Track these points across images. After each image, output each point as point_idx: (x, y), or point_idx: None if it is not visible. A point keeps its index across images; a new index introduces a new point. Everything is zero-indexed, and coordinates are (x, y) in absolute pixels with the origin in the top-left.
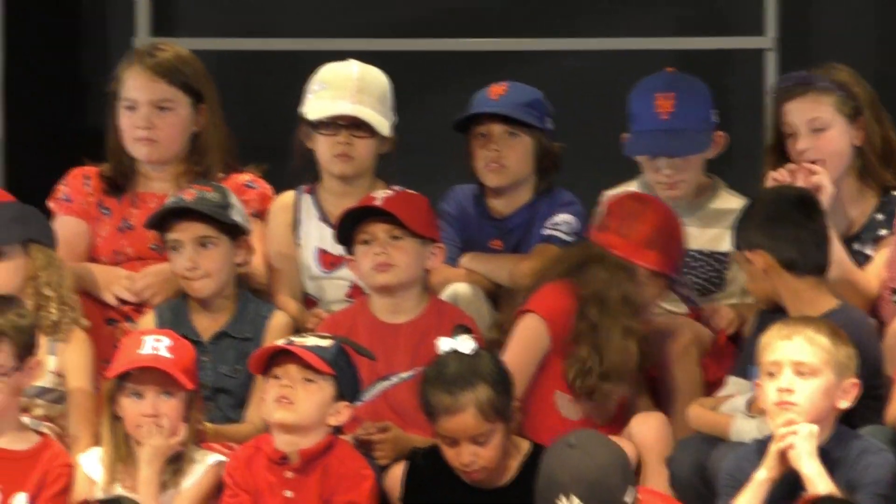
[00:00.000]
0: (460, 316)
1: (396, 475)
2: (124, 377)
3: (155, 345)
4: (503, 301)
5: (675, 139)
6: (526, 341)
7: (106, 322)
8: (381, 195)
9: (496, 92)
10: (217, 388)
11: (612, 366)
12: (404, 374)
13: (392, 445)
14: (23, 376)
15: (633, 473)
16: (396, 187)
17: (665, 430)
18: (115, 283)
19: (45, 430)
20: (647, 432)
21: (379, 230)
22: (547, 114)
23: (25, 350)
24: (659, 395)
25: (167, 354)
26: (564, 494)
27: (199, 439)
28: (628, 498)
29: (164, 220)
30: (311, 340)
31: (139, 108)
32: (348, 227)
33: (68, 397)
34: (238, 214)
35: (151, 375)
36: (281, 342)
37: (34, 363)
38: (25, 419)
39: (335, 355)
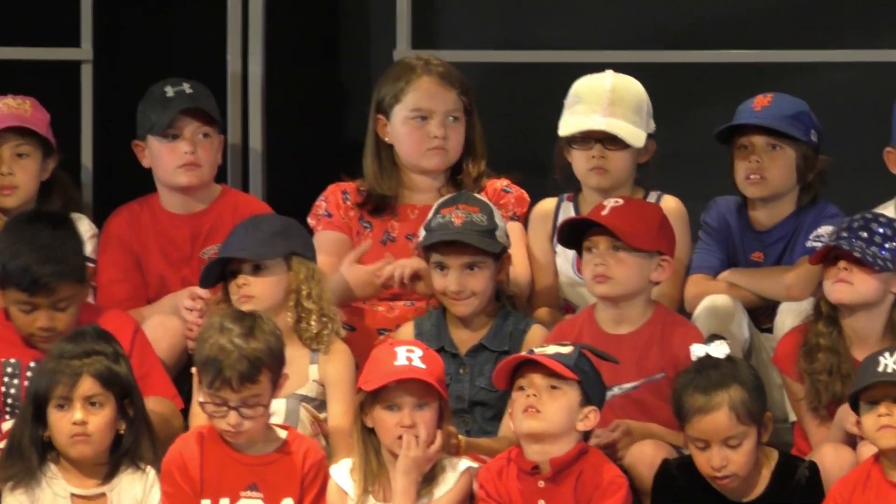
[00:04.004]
0: (685, 326)
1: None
2: (379, 389)
3: (409, 355)
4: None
5: None
6: None
7: (377, 332)
8: (610, 205)
9: (760, 103)
10: (474, 401)
11: None
12: (627, 385)
13: (629, 439)
14: (275, 394)
15: None
16: (654, 193)
17: None
18: (367, 287)
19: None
20: None
21: (601, 241)
22: (812, 126)
23: (278, 372)
24: None
25: (421, 365)
26: None
27: (453, 450)
28: None
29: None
30: (551, 349)
31: (433, 118)
32: (577, 233)
33: (328, 417)
34: (503, 235)
35: (408, 386)
36: (522, 353)
37: (283, 379)
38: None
39: (577, 360)
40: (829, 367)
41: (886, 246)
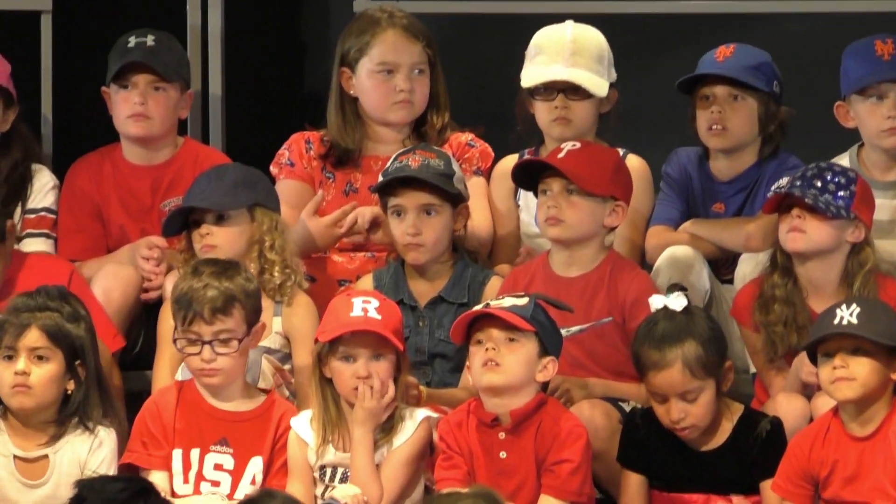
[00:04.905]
0: (633, 271)
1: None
2: (335, 340)
3: (364, 306)
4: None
5: None
6: None
7: (338, 283)
8: (567, 148)
9: (723, 53)
10: (434, 353)
11: None
12: (574, 328)
13: (585, 391)
14: (249, 340)
15: None
16: (619, 151)
17: None
18: (327, 237)
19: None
20: None
21: (555, 183)
22: (774, 77)
23: (253, 315)
24: None
25: (377, 316)
26: None
27: (413, 402)
28: None
29: (389, 185)
30: (507, 301)
31: (399, 71)
32: (533, 175)
33: (294, 369)
34: (460, 183)
35: (363, 338)
36: (479, 307)
37: (260, 327)
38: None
39: (533, 311)
40: (784, 319)
41: (840, 194)
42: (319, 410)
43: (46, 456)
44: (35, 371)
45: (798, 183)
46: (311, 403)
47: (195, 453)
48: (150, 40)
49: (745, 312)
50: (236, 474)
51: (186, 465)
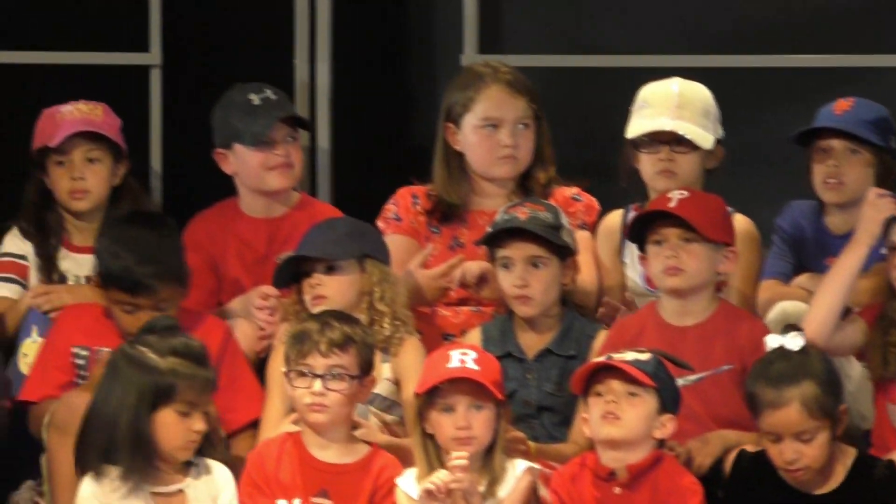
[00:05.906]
0: (752, 319)
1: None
2: (433, 392)
3: (462, 358)
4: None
5: None
6: None
7: (442, 337)
8: (676, 196)
9: (841, 107)
10: (541, 406)
11: None
12: (692, 377)
13: (708, 448)
14: (359, 390)
15: None
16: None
17: None
18: (433, 291)
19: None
20: None
21: (671, 233)
22: (891, 132)
23: (367, 365)
24: None
25: (474, 367)
26: None
27: (522, 457)
28: None
29: (496, 237)
30: (629, 355)
31: (504, 126)
32: (643, 226)
33: (402, 403)
34: (568, 235)
35: (461, 387)
36: (601, 359)
37: (370, 381)
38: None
39: (655, 367)
40: None
41: None
42: (424, 467)
43: (182, 490)
44: (202, 426)
45: None
46: (416, 460)
47: None
48: (271, 94)
49: (869, 315)
50: None
51: None
